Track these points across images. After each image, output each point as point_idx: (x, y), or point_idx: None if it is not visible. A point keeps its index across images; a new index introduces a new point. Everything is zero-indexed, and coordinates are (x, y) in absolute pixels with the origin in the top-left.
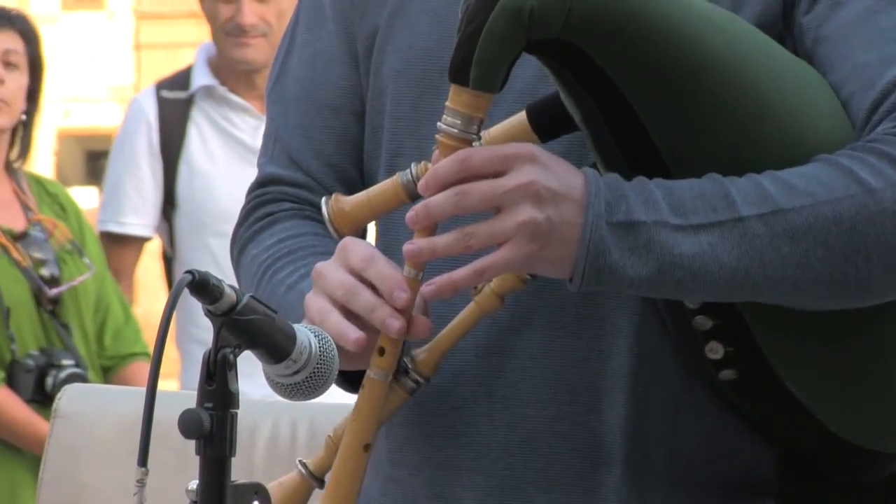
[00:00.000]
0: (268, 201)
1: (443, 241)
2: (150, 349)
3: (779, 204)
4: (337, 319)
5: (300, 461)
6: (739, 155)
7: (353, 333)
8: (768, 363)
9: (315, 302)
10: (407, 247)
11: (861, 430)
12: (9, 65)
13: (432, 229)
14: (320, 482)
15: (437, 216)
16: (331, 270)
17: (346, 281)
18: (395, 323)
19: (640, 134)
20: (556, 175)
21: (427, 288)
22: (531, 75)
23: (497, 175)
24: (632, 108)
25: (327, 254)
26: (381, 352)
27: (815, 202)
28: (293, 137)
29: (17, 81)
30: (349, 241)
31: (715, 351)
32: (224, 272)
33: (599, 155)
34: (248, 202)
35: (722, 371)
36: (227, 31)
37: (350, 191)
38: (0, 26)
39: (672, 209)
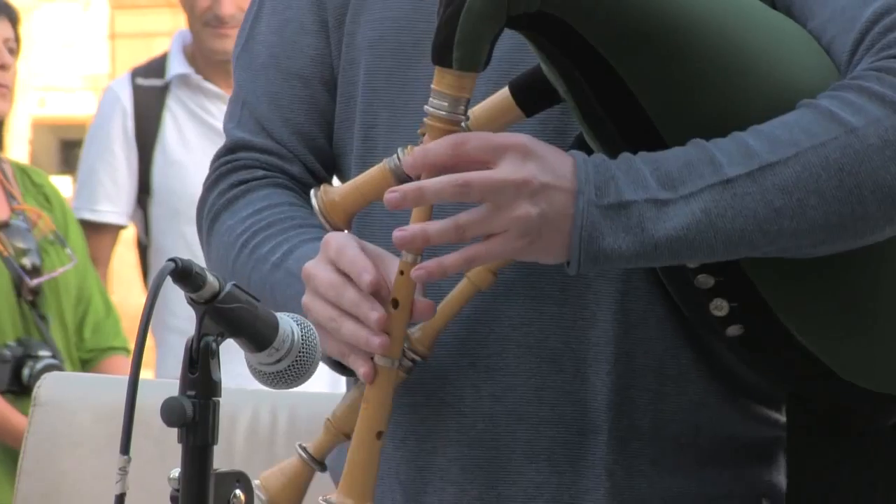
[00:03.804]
0: (239, 168)
1: (436, 229)
2: (128, 340)
3: (764, 159)
4: (353, 327)
5: (300, 445)
6: (726, 110)
7: (375, 339)
8: (774, 314)
9: (319, 308)
10: (398, 233)
11: (870, 373)
12: (11, 52)
13: (427, 214)
14: (321, 465)
15: (430, 199)
16: (319, 270)
17: (334, 280)
18: (374, 314)
19: (627, 98)
20: (550, 167)
21: (417, 271)
22: (508, 47)
23: (488, 163)
24: (616, 73)
25: (306, 226)
26: None
27: (799, 151)
28: (262, 104)
29: (14, 67)
30: (328, 237)
31: (720, 308)
32: (198, 260)
33: (586, 124)
34: (216, 167)
35: (728, 328)
36: (206, 22)
37: (320, 159)
38: None
39: (660, 183)
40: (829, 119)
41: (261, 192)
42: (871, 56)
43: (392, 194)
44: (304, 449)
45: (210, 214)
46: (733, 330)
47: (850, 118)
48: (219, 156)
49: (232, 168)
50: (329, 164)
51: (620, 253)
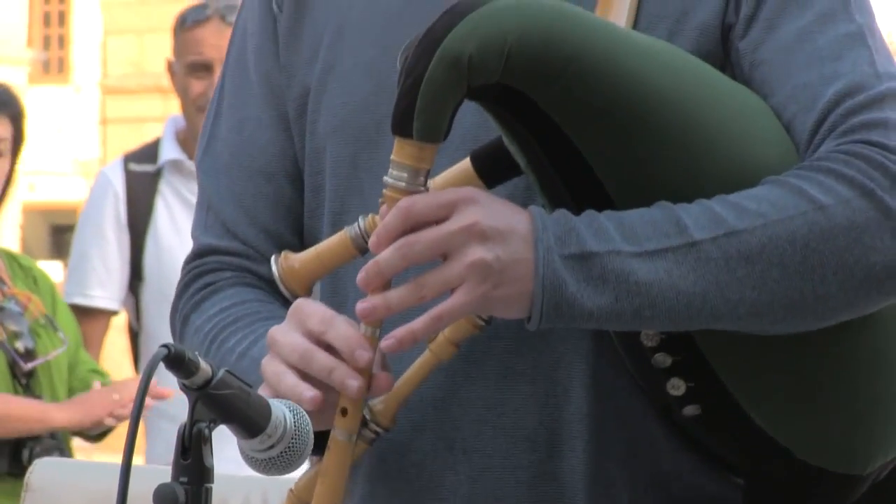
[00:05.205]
0: (206, 271)
1: (396, 295)
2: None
3: (731, 226)
4: (291, 381)
5: None
6: (686, 189)
7: (307, 392)
8: (731, 395)
9: (270, 366)
10: (360, 306)
11: (828, 454)
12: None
13: (386, 285)
14: None
15: (389, 273)
16: (285, 335)
17: (300, 345)
18: (354, 383)
19: (586, 174)
20: (499, 214)
21: (387, 342)
22: (472, 122)
23: (440, 221)
24: (576, 149)
25: (273, 319)
26: (344, 412)
27: (767, 222)
28: (227, 206)
29: (2, 169)
30: (304, 304)
31: (677, 387)
32: None
33: (547, 198)
34: (185, 274)
35: (685, 407)
36: (199, 107)
37: None
38: None
39: (624, 237)
40: (797, 195)
41: (228, 292)
42: (835, 138)
43: (361, 276)
44: None
45: (180, 318)
46: (690, 410)
47: (819, 196)
48: (187, 262)
49: (199, 273)
50: None
51: (583, 304)
